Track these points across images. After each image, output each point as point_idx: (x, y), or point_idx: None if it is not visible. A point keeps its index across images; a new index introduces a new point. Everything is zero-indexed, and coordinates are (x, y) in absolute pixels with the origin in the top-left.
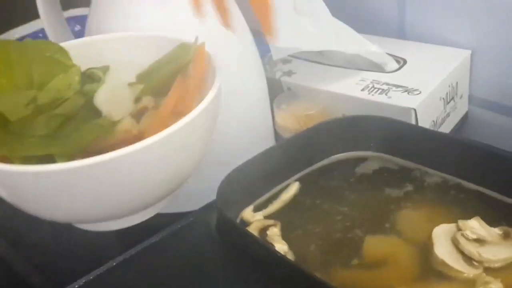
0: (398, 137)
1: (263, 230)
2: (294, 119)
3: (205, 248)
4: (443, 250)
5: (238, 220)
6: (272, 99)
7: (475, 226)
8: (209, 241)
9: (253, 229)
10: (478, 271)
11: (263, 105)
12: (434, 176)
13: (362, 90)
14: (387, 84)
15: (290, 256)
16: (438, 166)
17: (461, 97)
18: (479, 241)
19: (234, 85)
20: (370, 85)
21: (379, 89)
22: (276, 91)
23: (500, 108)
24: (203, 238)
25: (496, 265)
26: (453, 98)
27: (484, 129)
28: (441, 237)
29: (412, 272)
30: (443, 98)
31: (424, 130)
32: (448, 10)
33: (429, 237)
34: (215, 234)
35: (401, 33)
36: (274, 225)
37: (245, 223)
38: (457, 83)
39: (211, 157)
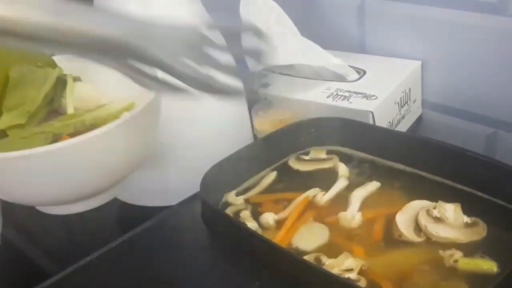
0: (356, 134)
1: (237, 213)
2: (269, 123)
3: (190, 231)
4: (403, 217)
5: (220, 205)
6: (250, 108)
7: (448, 209)
8: (193, 225)
9: (229, 213)
10: (420, 239)
11: (242, 113)
12: (386, 165)
13: (328, 97)
14: (349, 91)
15: (260, 232)
16: (390, 157)
17: (414, 101)
18: (439, 219)
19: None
20: (334, 93)
21: (342, 96)
22: (255, 100)
23: (449, 110)
24: (188, 222)
25: (437, 240)
26: (407, 102)
27: (437, 129)
28: (411, 208)
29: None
30: (398, 102)
31: (379, 128)
32: (401, 28)
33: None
34: (199, 218)
35: (361, 48)
36: (245, 208)
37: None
38: (409, 89)
39: (197, 158)
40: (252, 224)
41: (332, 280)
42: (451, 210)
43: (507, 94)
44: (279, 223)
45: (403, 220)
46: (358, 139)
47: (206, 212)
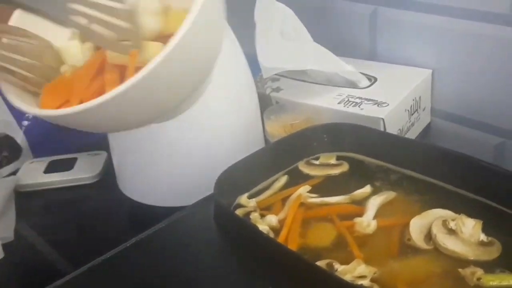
0: (369, 140)
1: (247, 215)
2: (281, 127)
3: (203, 232)
4: (418, 221)
5: (233, 207)
6: (262, 111)
7: (468, 223)
8: (207, 226)
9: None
10: (427, 247)
11: (254, 116)
12: (398, 172)
13: (339, 103)
14: (360, 98)
15: (271, 235)
16: (401, 164)
17: (424, 109)
18: (453, 232)
19: (229, 100)
20: (346, 99)
21: (353, 102)
22: (266, 104)
23: (458, 118)
24: (202, 223)
25: (443, 251)
26: (416, 110)
27: (445, 137)
28: (430, 215)
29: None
30: (408, 110)
31: (390, 135)
32: (413, 36)
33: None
34: (212, 219)
35: (372, 56)
36: (254, 210)
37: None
38: (420, 97)
39: (210, 159)
40: (263, 227)
41: (345, 287)
42: (470, 226)
43: None
44: (282, 223)
45: (417, 225)
46: (371, 146)
47: (219, 213)
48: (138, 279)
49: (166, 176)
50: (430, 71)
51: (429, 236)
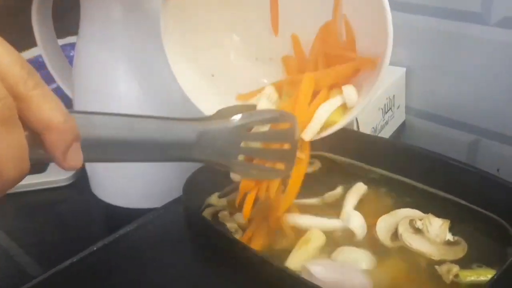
0: (340, 140)
1: (215, 214)
2: None
3: (173, 233)
4: (386, 220)
5: (203, 207)
6: None
7: (435, 223)
8: (177, 228)
9: (207, 214)
10: (394, 245)
11: None
12: (370, 171)
13: None
14: None
15: (239, 233)
16: (373, 163)
17: (398, 107)
18: (419, 231)
19: None
20: None
21: None
22: None
23: (432, 117)
24: (172, 225)
25: (409, 249)
26: (390, 108)
27: (419, 135)
28: (398, 214)
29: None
30: (382, 109)
31: (362, 134)
32: None
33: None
34: (180, 220)
35: None
36: (223, 209)
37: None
38: (394, 96)
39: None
40: (231, 225)
41: None
42: (437, 225)
43: (489, 102)
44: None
45: (384, 224)
46: (343, 145)
47: (187, 214)
48: (107, 281)
49: (137, 178)
50: (404, 69)
51: (395, 235)
